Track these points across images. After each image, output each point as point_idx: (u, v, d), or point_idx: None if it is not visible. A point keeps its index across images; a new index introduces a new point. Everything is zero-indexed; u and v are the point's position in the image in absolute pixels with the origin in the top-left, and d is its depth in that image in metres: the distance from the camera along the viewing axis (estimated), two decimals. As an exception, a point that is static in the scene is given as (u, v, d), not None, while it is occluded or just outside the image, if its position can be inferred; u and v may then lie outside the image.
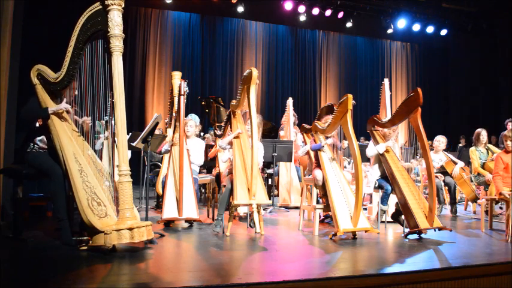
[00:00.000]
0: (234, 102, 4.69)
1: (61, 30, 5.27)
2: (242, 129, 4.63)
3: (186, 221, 4.68)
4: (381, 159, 4.66)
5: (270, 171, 6.71)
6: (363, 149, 5.03)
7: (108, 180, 3.65)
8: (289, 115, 6.98)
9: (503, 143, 4.94)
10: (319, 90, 13.10)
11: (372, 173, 4.89)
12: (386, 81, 5.55)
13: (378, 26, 12.48)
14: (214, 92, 11.27)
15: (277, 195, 6.65)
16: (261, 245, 3.85)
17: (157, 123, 4.37)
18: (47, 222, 4.66)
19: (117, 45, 3.30)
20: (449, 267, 3.15)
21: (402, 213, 4.34)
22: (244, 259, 3.30)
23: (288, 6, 11.24)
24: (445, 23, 12.48)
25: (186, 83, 4.61)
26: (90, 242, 3.29)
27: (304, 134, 5.39)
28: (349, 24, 12.02)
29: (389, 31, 12.46)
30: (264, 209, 5.76)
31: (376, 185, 4.75)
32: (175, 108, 4.79)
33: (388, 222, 4.87)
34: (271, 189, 6.59)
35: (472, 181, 5.91)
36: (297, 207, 5.94)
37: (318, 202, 4.73)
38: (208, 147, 6.24)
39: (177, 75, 4.84)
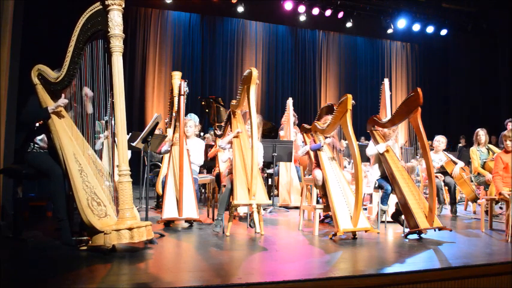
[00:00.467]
0: (234, 102, 4.69)
1: (61, 30, 5.28)
2: (242, 129, 4.63)
3: (186, 221, 4.68)
4: (380, 159, 4.67)
5: (270, 171, 6.71)
6: (362, 149, 5.03)
7: (108, 180, 3.65)
8: (289, 115, 6.98)
9: (503, 143, 4.94)
10: (319, 90, 13.08)
11: (371, 173, 4.89)
12: (386, 81, 5.55)
13: (377, 26, 12.48)
14: (214, 92, 11.26)
15: (277, 195, 6.65)
16: (261, 245, 3.85)
17: (157, 123, 4.37)
18: (47, 222, 4.66)
19: (117, 45, 3.30)
20: (449, 267, 3.15)
21: (402, 213, 4.34)
22: (244, 259, 3.30)
23: (288, 6, 11.24)
24: (445, 23, 12.48)
25: (186, 83, 4.61)
26: (90, 242, 3.29)
27: (304, 134, 5.38)
28: (349, 24, 12.02)
29: (389, 31, 12.46)
30: (264, 209, 5.76)
31: (376, 185, 4.75)
32: (175, 108, 4.79)
33: (388, 222, 4.87)
34: (271, 189, 6.59)
35: (472, 181, 5.91)
36: (297, 207, 5.94)
37: (318, 202, 4.73)
38: (208, 147, 6.24)
39: (177, 75, 4.84)
